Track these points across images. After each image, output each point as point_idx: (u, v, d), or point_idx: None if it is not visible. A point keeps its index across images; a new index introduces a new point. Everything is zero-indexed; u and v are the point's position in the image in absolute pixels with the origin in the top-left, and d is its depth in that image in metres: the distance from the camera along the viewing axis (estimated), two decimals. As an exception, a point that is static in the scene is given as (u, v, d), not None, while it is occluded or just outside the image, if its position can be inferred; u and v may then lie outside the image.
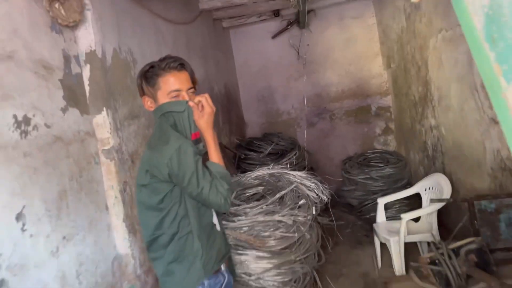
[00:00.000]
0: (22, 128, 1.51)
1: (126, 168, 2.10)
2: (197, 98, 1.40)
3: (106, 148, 1.98)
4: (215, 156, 1.42)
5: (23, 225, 1.45)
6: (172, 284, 1.41)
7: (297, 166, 3.91)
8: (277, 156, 4.09)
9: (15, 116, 1.48)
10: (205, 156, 1.42)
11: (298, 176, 2.74)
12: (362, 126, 5.57)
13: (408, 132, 4.61)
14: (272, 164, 3.23)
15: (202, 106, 1.38)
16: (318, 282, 2.87)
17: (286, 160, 3.89)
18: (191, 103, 1.38)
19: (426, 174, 3.79)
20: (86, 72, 1.94)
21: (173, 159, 1.28)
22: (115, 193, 2.02)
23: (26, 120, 1.53)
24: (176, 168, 1.29)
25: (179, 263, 1.39)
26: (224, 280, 1.49)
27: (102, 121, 1.97)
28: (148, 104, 1.43)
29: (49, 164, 1.63)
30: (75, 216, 1.75)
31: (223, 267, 1.51)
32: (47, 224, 1.57)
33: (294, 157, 4.00)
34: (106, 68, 2.03)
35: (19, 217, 1.44)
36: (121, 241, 2.04)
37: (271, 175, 2.78)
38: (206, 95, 1.41)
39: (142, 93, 1.44)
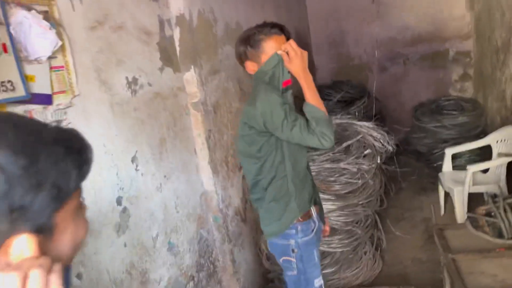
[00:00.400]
0: (132, 87, 1.84)
1: (210, 118, 2.41)
2: (283, 47, 1.53)
3: (194, 101, 2.29)
4: (310, 97, 1.52)
5: (136, 165, 1.84)
6: (271, 220, 1.66)
7: (366, 114, 4.00)
8: (346, 104, 4.20)
9: (126, 78, 1.81)
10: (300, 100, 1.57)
11: (365, 127, 2.88)
12: (437, 71, 5.36)
13: (488, 79, 4.41)
14: (340, 113, 3.39)
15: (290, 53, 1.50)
16: (379, 224, 3.11)
17: (355, 109, 4.00)
18: (279, 53, 1.52)
19: (503, 124, 3.69)
20: (176, 34, 2.20)
21: (265, 110, 1.47)
22: (202, 140, 2.36)
23: (135, 80, 1.86)
24: (268, 117, 1.47)
25: (277, 202, 1.62)
26: (314, 226, 1.70)
27: (190, 78, 2.26)
28: (251, 68, 1.60)
29: (152, 116, 1.97)
30: (172, 159, 2.11)
31: (314, 213, 1.72)
32: (152, 165, 1.95)
33: (362, 105, 4.08)
34: (193, 29, 2.28)
35: (133, 159, 1.82)
36: (207, 180, 2.41)
37: (338, 124, 2.96)
38: (291, 41, 1.53)
39: (246, 58, 1.60)
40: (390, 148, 2.83)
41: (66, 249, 0.57)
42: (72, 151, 0.55)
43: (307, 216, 1.69)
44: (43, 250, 0.52)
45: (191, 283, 2.16)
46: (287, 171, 1.61)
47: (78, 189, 0.57)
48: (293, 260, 1.67)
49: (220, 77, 2.59)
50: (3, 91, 1.22)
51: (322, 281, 1.73)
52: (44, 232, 0.52)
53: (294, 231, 1.65)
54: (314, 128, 1.47)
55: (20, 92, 1.26)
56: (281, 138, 1.54)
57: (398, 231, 3.26)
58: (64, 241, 0.56)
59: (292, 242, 1.65)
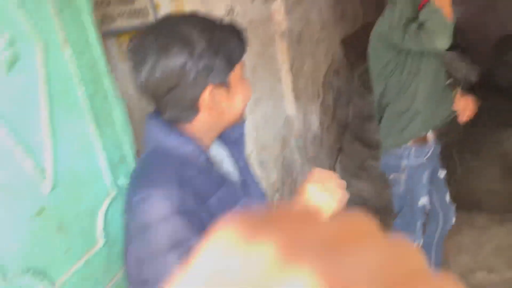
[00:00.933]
0: (230, 16, 2.01)
1: (294, 47, 2.53)
2: None
3: (280, 30, 2.42)
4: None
5: (234, 88, 2.05)
6: (391, 132, 1.75)
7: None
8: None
9: (225, 7, 1.98)
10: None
11: (448, 56, 2.84)
12: (531, -2, 4.89)
13: None
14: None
15: None
16: (455, 154, 3.15)
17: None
18: None
19: None
20: (266, -36, 2.29)
21: (390, 19, 1.58)
22: (286, 68, 2.51)
23: (231, 10, 2.02)
24: (390, 26, 1.57)
25: (402, 116, 1.70)
26: (429, 151, 1.75)
27: (278, 7, 2.37)
28: None
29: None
30: (262, 84, 2.31)
31: (431, 137, 1.76)
32: (246, 89, 2.16)
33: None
34: (280, -42, 2.35)
35: (231, 83, 2.04)
36: (290, 106, 2.60)
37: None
38: None
39: None
40: (472, 78, 2.79)
41: (240, 105, 0.83)
42: (235, 32, 0.79)
43: (423, 140, 1.72)
44: (226, 99, 0.79)
45: (277, 194, 2.44)
46: (416, 86, 1.65)
47: (241, 60, 0.81)
48: (402, 179, 1.76)
49: (304, 7, 2.66)
50: (139, 17, 1.45)
51: (426, 201, 1.80)
52: (224, 86, 0.78)
53: (407, 152, 1.71)
54: (428, 28, 1.47)
55: (151, 17, 1.48)
56: (403, 47, 1.58)
57: (474, 163, 3.28)
58: (237, 98, 0.81)
59: (404, 163, 1.72)
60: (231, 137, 0.90)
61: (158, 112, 0.82)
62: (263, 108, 2.33)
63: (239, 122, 0.87)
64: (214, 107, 0.79)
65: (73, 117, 0.75)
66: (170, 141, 0.77)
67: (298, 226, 0.17)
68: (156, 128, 0.79)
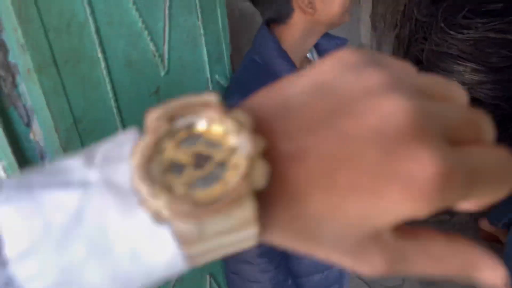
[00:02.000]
0: None
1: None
2: None
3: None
4: None
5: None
6: None
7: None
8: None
9: None
10: None
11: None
12: None
13: None
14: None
15: None
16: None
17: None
18: None
19: None
20: None
21: None
22: (368, -9, 2.41)
23: None
24: None
25: None
26: None
27: None
28: None
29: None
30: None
31: None
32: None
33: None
34: None
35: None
36: (365, 33, 2.53)
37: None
38: None
39: None
40: None
41: (336, 8, 0.82)
42: None
43: None
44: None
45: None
46: None
47: None
48: None
49: None
50: None
51: None
52: None
53: None
54: None
55: None
56: None
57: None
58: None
59: None
60: (327, 48, 0.93)
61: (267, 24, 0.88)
62: (336, 32, 2.30)
63: (338, 40, 0.90)
64: (308, 5, 0.81)
65: (185, 12, 0.84)
66: (269, 52, 0.83)
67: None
68: (262, 37, 0.85)
